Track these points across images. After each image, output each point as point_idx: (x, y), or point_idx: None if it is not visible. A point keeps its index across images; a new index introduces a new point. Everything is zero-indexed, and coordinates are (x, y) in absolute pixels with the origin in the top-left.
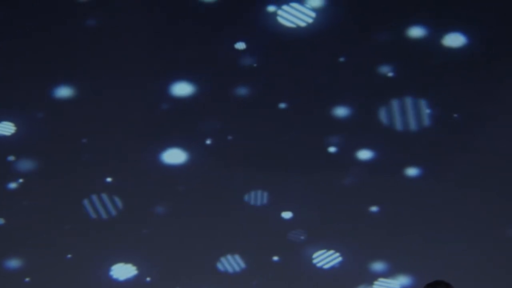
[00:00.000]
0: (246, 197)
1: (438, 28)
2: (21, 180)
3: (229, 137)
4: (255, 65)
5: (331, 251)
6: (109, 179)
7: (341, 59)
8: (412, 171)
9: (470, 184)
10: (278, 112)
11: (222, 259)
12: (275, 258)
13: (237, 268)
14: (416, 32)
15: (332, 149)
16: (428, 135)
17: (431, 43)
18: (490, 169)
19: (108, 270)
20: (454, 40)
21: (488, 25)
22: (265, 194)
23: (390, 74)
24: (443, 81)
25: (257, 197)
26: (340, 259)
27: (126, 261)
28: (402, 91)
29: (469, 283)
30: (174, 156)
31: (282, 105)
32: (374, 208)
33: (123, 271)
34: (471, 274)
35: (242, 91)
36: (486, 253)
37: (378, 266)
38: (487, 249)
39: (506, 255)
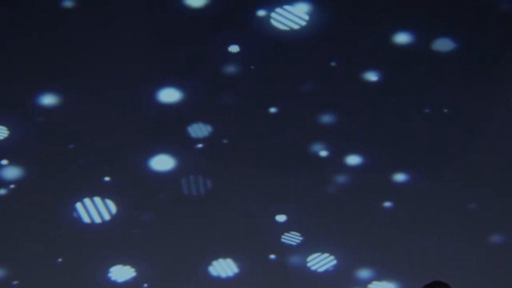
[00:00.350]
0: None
1: (428, 33)
2: (12, 186)
3: (224, 141)
4: (252, 67)
5: (326, 254)
6: (106, 179)
7: (333, 64)
8: (407, 173)
9: (468, 185)
10: (270, 116)
11: (215, 263)
12: (269, 262)
13: (229, 273)
14: (408, 36)
15: (324, 153)
16: (423, 136)
17: (422, 47)
18: (484, 170)
19: (107, 272)
20: (443, 44)
21: (477, 28)
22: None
23: (382, 78)
24: (436, 84)
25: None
26: (334, 262)
27: (117, 264)
28: (397, 94)
29: (468, 284)
30: (166, 161)
31: (273, 110)
32: (369, 211)
33: (121, 273)
34: (469, 275)
35: (234, 94)
36: (485, 253)
37: (372, 269)
38: (486, 250)
39: (505, 255)
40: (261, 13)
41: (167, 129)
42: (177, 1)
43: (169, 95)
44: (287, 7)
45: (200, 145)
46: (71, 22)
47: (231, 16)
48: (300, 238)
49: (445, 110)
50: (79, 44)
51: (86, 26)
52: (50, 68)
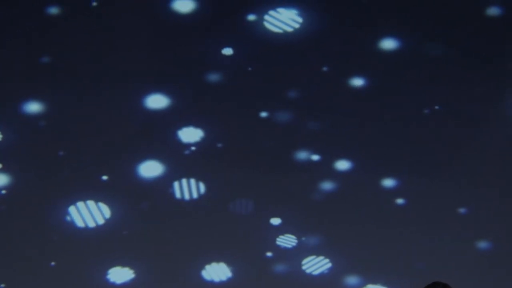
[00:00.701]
0: (231, 206)
1: (419, 37)
2: (3, 192)
3: (219, 145)
4: (249, 68)
5: (321, 257)
6: (98, 183)
7: (325, 68)
8: (400, 177)
9: (458, 188)
10: (261, 120)
11: (208, 267)
12: (263, 265)
13: (223, 277)
14: (398, 40)
15: (316, 157)
16: (415, 140)
17: (412, 51)
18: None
19: (105, 273)
20: (433, 48)
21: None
22: (250, 202)
23: (374, 82)
24: (425, 88)
25: (242, 205)
26: (329, 265)
27: (109, 268)
28: (388, 98)
29: (467, 284)
30: (157, 166)
31: (264, 114)
32: (363, 215)
33: (114, 277)
34: (466, 276)
35: (227, 97)
36: (479, 256)
37: (367, 272)
38: (480, 253)
39: (504, 255)
40: (254, 15)
41: (157, 134)
42: (165, 7)
43: (157, 100)
44: (280, 9)
45: (192, 149)
46: (59, 28)
47: (221, 20)
48: (295, 241)
49: (436, 107)
50: (68, 51)
51: (75, 33)
52: (37, 74)
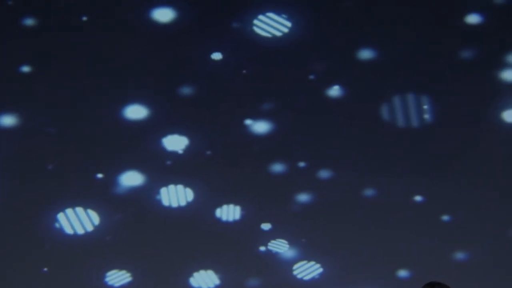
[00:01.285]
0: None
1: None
2: None
3: (208, 152)
4: (244, 71)
5: (312, 262)
6: (88, 192)
7: (311, 77)
8: (394, 181)
9: (447, 195)
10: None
11: (196, 274)
12: (251, 271)
13: (210, 284)
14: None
15: (302, 164)
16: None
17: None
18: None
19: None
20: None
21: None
22: (237, 208)
23: (360, 89)
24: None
25: (229, 212)
26: (320, 270)
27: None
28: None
29: (465, 284)
30: (144, 174)
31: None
32: (355, 219)
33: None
34: (463, 277)
35: (212, 104)
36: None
37: (358, 277)
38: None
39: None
40: (244, 20)
41: (143, 142)
42: (144, 17)
43: (137, 111)
44: (270, 14)
45: (179, 155)
46: (39, 38)
47: (208, 26)
48: (287, 246)
49: (425, 106)
50: (49, 62)
51: (55, 43)
52: (14, 87)
